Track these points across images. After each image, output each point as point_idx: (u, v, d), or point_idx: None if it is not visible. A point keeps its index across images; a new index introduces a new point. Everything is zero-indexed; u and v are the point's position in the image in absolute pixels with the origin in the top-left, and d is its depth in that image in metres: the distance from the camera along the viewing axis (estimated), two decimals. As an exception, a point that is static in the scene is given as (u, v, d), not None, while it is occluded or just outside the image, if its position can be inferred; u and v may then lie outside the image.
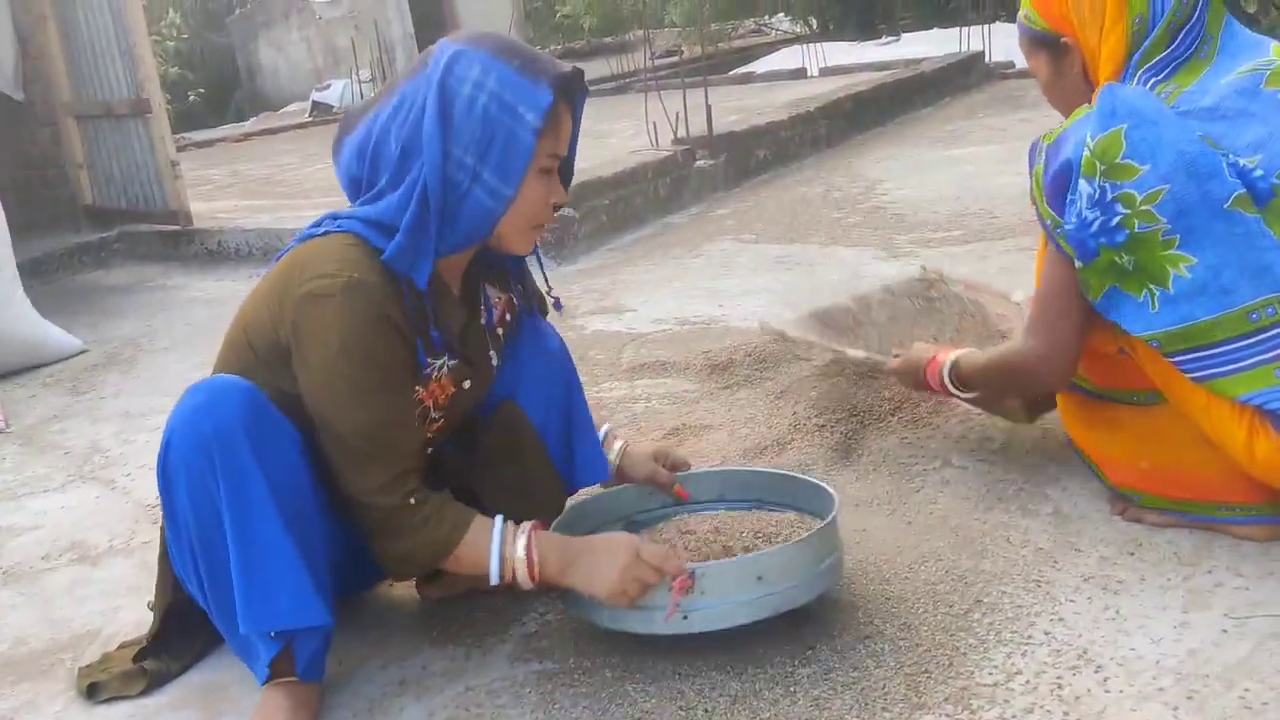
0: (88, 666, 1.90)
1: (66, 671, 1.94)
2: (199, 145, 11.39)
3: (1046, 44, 1.91)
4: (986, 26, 8.95)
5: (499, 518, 1.66)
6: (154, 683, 1.83)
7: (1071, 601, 1.73)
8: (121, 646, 1.95)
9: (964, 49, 8.75)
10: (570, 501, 1.96)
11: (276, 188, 7.34)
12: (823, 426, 2.47)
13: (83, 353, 4.20)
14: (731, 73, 10.26)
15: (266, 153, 10.27)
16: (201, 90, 18.38)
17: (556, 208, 1.68)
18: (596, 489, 2.03)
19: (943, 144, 6.09)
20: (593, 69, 14.67)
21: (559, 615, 1.87)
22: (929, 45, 10.05)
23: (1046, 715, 1.48)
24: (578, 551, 1.65)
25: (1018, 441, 2.30)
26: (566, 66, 1.62)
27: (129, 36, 5.51)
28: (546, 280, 1.90)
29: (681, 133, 5.42)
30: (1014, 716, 1.49)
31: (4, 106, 6.21)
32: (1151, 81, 1.77)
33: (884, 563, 1.90)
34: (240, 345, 1.69)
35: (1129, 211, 1.68)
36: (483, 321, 1.80)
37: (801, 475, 1.96)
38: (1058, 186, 1.76)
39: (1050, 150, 1.78)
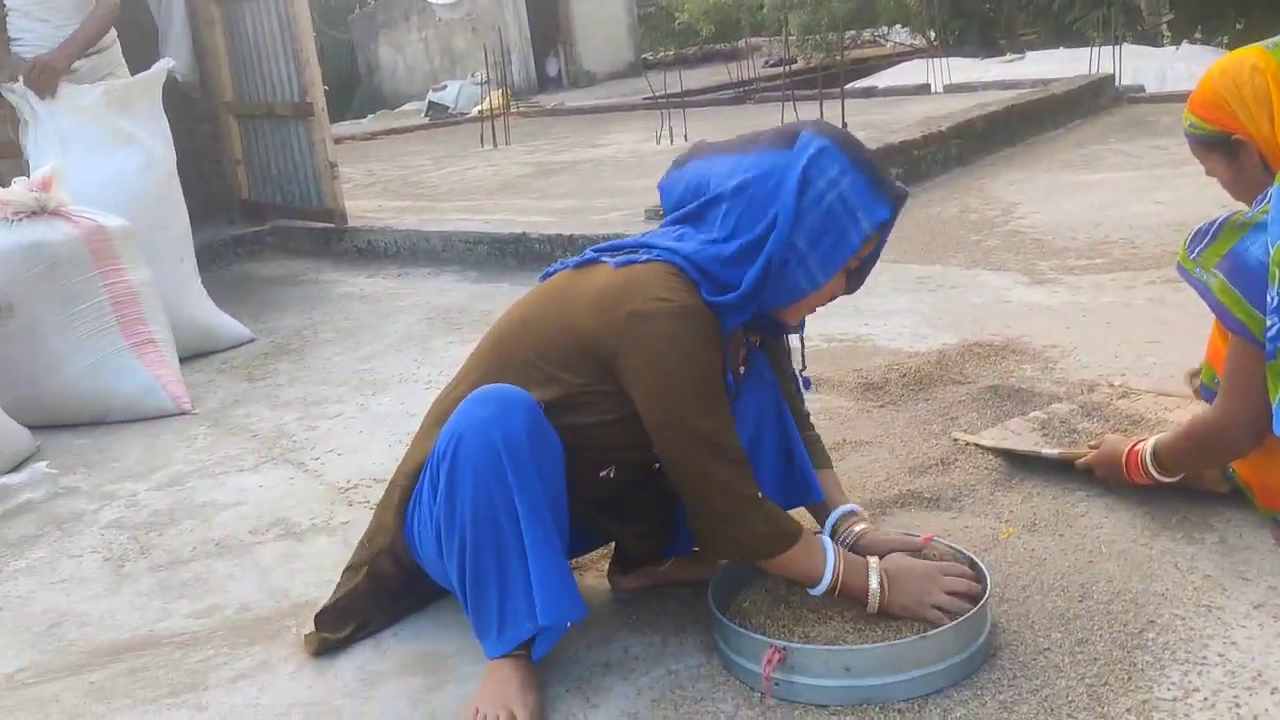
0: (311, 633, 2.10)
1: (293, 637, 2.14)
2: (329, 142, 11.79)
3: (1217, 145, 1.96)
4: (1116, 48, 8.87)
5: (826, 535, 1.93)
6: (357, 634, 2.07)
7: (1243, 627, 1.81)
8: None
9: (1094, 70, 8.69)
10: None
11: (414, 189, 7.63)
12: (984, 449, 2.57)
13: (251, 341, 4.48)
14: (851, 85, 10.32)
15: (394, 153, 10.61)
16: (326, 88, 18.99)
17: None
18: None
19: (1076, 168, 6.10)
20: (708, 76, 14.83)
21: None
22: (1055, 65, 9.98)
23: (1228, 732, 1.58)
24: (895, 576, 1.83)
25: (1178, 471, 2.38)
26: (902, 189, 1.82)
27: (295, 42, 5.79)
28: (804, 358, 2.07)
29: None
30: (1196, 731, 1.59)
31: (166, 101, 6.56)
32: None
33: (1055, 583, 2.00)
34: (519, 362, 1.85)
35: None
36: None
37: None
38: (1251, 277, 1.81)
39: (1250, 235, 1.82)
